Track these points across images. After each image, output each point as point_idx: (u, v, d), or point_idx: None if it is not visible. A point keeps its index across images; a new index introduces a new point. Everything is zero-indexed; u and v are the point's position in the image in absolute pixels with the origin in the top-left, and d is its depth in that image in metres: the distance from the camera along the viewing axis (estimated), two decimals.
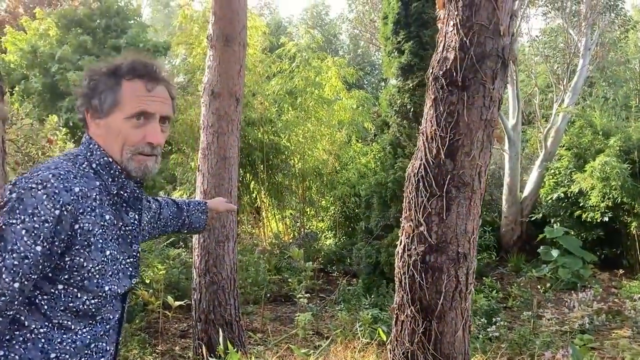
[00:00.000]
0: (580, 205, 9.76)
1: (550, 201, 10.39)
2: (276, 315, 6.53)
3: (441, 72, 2.29)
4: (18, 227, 1.28)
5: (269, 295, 7.22)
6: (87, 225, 1.38)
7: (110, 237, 1.47)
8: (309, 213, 11.06)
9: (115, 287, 1.47)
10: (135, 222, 1.57)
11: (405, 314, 2.26)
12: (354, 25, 19.91)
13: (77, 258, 1.37)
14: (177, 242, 7.65)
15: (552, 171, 10.49)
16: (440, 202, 2.23)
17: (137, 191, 1.57)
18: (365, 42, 21.00)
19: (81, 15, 10.60)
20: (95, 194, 1.42)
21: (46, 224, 1.30)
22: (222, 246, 4.19)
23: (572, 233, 9.64)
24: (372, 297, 6.67)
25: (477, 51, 2.23)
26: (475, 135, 2.24)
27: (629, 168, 8.97)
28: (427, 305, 2.21)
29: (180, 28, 10.12)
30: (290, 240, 9.66)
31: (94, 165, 1.47)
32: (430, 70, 2.36)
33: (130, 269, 1.55)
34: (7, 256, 1.26)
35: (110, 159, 1.48)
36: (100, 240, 1.42)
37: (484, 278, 8.69)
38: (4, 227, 1.28)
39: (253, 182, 10.31)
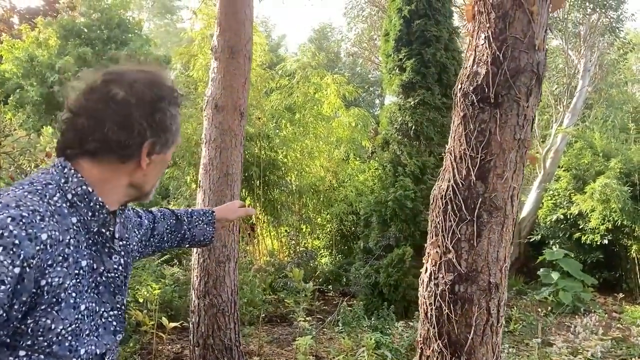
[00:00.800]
0: (580, 227, 9.66)
1: (549, 223, 10.28)
2: (273, 337, 6.31)
3: (472, 88, 2.14)
4: None
5: (264, 315, 7.00)
6: (56, 279, 1.09)
7: (87, 287, 1.18)
8: (304, 230, 10.87)
9: (94, 348, 1.19)
10: (120, 267, 1.29)
11: (431, 348, 2.08)
12: (353, 43, 19.91)
13: (43, 319, 1.08)
14: (171, 260, 7.43)
15: (551, 192, 10.41)
16: (470, 227, 2.06)
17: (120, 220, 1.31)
18: (364, 59, 20.99)
19: (81, 26, 10.46)
20: (69, 236, 1.13)
21: (2, 287, 0.99)
22: (223, 267, 4.00)
23: (571, 255, 9.52)
24: (372, 319, 6.47)
25: (511, 66, 2.09)
26: (509, 156, 2.09)
27: (629, 190, 8.89)
28: (456, 339, 2.03)
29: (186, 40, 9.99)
30: (286, 259, 9.46)
31: (69, 196, 1.17)
32: (459, 86, 2.21)
33: (115, 323, 1.27)
34: None
35: (90, 189, 1.19)
36: (74, 294, 1.13)
37: None
38: None
39: (249, 198, 10.13)
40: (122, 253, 1.32)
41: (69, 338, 1.13)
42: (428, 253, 2.17)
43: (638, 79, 15.60)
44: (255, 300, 6.77)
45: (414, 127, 8.05)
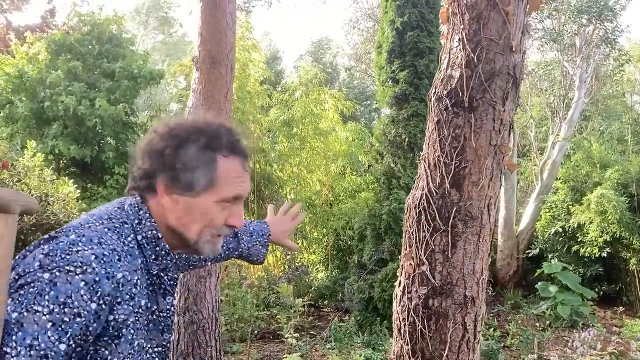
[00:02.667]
0: (578, 240, 9.52)
1: (547, 236, 10.15)
2: (263, 354, 6.17)
3: (445, 92, 2.04)
4: (44, 317, 1.02)
5: (256, 332, 6.86)
6: (122, 316, 1.15)
7: (141, 325, 1.22)
8: (300, 245, 10.75)
9: None
10: (172, 308, 1.33)
11: None
12: (350, 57, 19.92)
13: (102, 350, 1.14)
14: None
15: (549, 204, 10.28)
16: (445, 237, 1.95)
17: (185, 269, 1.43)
18: (360, 73, 21.00)
19: (72, 40, 10.42)
20: (137, 277, 1.19)
21: (77, 319, 1.05)
22: (204, 282, 3.88)
23: (570, 269, 9.38)
24: (365, 335, 6.33)
25: (485, 68, 1.99)
26: (484, 163, 1.98)
27: (626, 201, 8.76)
28: (430, 357, 1.91)
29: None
30: (280, 274, 9.32)
31: (139, 238, 1.24)
32: (433, 90, 2.12)
33: (157, 359, 1.31)
34: (23, 352, 0.99)
35: (160, 235, 1.26)
36: (132, 331, 1.18)
37: None
38: (25, 313, 1.02)
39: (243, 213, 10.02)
40: (173, 293, 1.36)
41: None
42: (402, 266, 2.07)
43: (637, 90, 15.54)
44: (246, 316, 6.63)
45: (407, 139, 7.97)
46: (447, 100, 2.03)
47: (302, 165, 10.06)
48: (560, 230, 9.85)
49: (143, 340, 1.24)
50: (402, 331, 1.98)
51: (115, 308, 1.13)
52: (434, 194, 2.00)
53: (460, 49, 2.05)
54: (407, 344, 1.95)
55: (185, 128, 1.27)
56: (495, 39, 2.00)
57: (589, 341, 6.24)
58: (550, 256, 9.89)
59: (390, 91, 8.26)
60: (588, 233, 9.20)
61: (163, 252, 1.27)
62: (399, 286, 2.04)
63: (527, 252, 10.50)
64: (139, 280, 1.19)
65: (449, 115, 2.03)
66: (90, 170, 10.30)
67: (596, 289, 9.60)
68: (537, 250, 10.17)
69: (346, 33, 18.73)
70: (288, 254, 10.55)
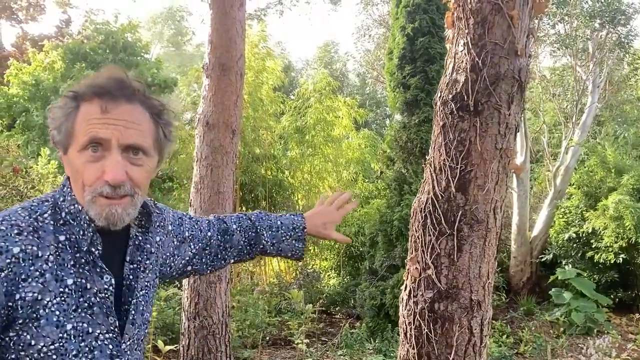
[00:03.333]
0: (593, 246, 9.43)
1: (561, 241, 10.05)
2: None
3: (450, 96, 2.05)
4: None
5: (268, 338, 6.87)
6: (31, 294, 1.09)
7: (77, 307, 1.15)
8: (312, 251, 10.76)
9: None
10: (111, 287, 1.21)
11: None
12: (361, 64, 19.93)
13: (24, 334, 1.09)
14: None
15: (563, 210, 10.20)
16: (450, 241, 1.95)
17: (130, 241, 1.28)
18: (372, 79, 21.01)
19: (87, 49, 10.56)
20: (49, 253, 1.13)
21: None
22: (214, 287, 3.90)
23: (585, 275, 9.28)
24: (377, 341, 6.31)
25: (490, 72, 2.00)
26: (490, 167, 1.98)
27: None
28: None
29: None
30: (292, 280, 9.33)
31: (63, 214, 1.17)
32: (439, 94, 2.13)
33: (111, 346, 1.21)
34: None
35: (80, 207, 1.17)
36: (57, 312, 1.12)
37: (494, 321, 8.33)
38: None
39: None
40: (127, 275, 1.29)
41: (53, 357, 1.12)
42: (408, 270, 2.07)
43: None
44: (258, 322, 6.65)
45: (419, 145, 7.95)
46: (453, 104, 2.04)
47: (314, 172, 10.08)
48: (574, 236, 9.76)
49: (86, 325, 1.16)
50: (408, 335, 1.98)
51: (20, 286, 1.07)
52: (440, 197, 2.00)
53: (465, 53, 2.05)
54: (414, 348, 1.95)
55: (76, 87, 1.19)
56: (500, 43, 2.00)
57: (603, 348, 6.17)
58: (564, 262, 9.80)
59: (402, 97, 8.26)
60: (602, 239, 9.11)
61: (85, 225, 1.17)
62: (405, 290, 2.04)
63: (540, 257, 10.42)
64: (52, 257, 1.13)
65: (454, 119, 2.03)
66: None
67: (611, 296, 9.49)
68: (551, 256, 10.09)
69: (356, 40, 18.76)
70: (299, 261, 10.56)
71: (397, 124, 8.44)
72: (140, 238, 1.33)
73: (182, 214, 1.58)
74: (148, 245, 1.36)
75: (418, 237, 2.04)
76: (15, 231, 1.10)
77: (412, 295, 2.00)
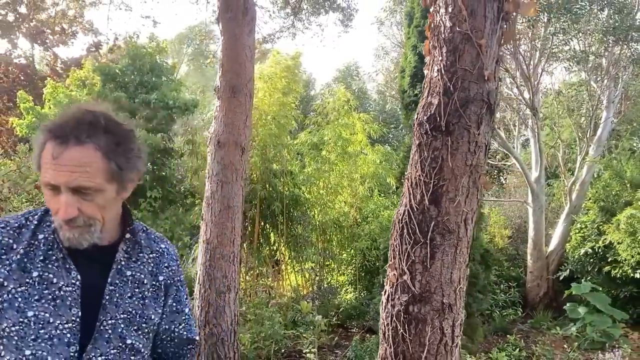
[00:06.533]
0: (609, 260, 9.43)
1: (577, 256, 10.06)
2: None
3: (425, 117, 2.26)
4: None
5: (283, 350, 7.04)
6: None
7: (39, 297, 1.33)
8: (329, 266, 10.91)
9: (45, 354, 1.31)
10: (77, 282, 1.37)
11: None
12: (379, 83, 20.19)
13: None
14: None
15: (579, 225, 10.22)
16: (424, 249, 2.15)
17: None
18: (391, 97, 21.25)
19: (117, 70, 10.99)
20: (21, 247, 1.35)
21: None
22: (223, 297, 4.13)
23: (602, 290, 9.27)
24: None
25: (460, 96, 2.20)
26: (460, 181, 2.17)
27: None
28: (411, 358, 2.10)
29: None
30: (308, 294, 9.51)
31: (50, 218, 1.39)
32: (416, 116, 2.33)
33: (69, 335, 1.34)
34: None
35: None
36: (19, 299, 1.31)
37: (508, 335, 8.38)
38: None
39: (272, 234, 10.29)
40: (106, 294, 1.41)
41: (15, 338, 1.29)
42: (387, 276, 2.26)
43: None
44: (272, 334, 6.83)
45: None
46: (427, 125, 2.24)
47: (330, 188, 10.28)
48: (590, 250, 9.78)
49: (48, 315, 1.32)
50: (386, 335, 2.17)
51: None
52: (415, 210, 2.19)
53: (438, 79, 2.26)
54: (390, 347, 2.14)
55: (46, 123, 1.36)
56: (469, 69, 2.20)
57: None
58: (582, 278, 9.78)
59: (413, 114, 8.44)
60: (619, 253, 9.12)
61: (53, 227, 1.37)
62: (384, 294, 2.24)
63: (557, 274, 10.42)
64: (23, 251, 1.33)
65: (428, 139, 2.23)
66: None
67: (630, 311, 9.46)
68: (567, 272, 10.10)
69: (375, 61, 19.03)
70: (317, 275, 10.74)
71: (409, 140, 8.60)
72: (123, 263, 1.46)
73: (180, 282, 1.64)
74: (130, 272, 1.48)
75: (396, 245, 2.24)
76: (2, 225, 1.35)
77: (389, 298, 2.20)
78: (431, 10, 2.39)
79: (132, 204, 10.38)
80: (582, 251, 9.85)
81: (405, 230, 2.21)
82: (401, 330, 2.12)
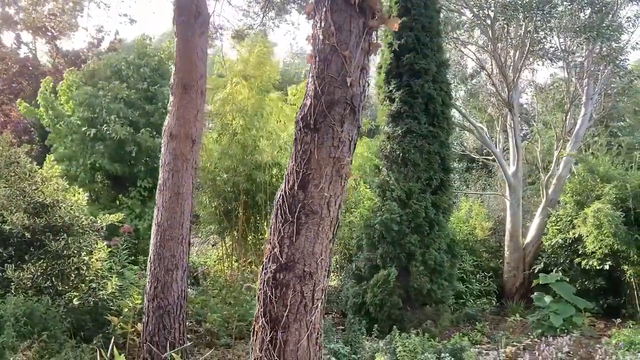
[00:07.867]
0: (579, 252, 9.76)
1: (551, 249, 10.40)
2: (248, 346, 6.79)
3: (300, 117, 2.67)
4: None
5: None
6: None
7: None
8: None
9: None
10: None
11: (259, 324, 2.59)
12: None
13: None
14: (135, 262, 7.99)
15: (554, 218, 10.54)
16: (291, 227, 2.57)
17: None
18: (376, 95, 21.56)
19: (122, 66, 11.52)
20: None
21: None
22: (171, 274, 4.57)
23: (576, 282, 9.62)
24: (345, 332, 6.88)
25: (327, 99, 2.61)
26: (324, 170, 2.59)
27: (622, 216, 8.96)
28: (275, 317, 2.53)
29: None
30: None
31: None
32: (295, 115, 2.75)
33: None
34: None
35: None
36: None
37: (476, 323, 8.80)
38: None
39: (259, 224, 10.75)
40: None
41: None
42: (265, 248, 2.69)
43: None
44: (242, 314, 7.29)
45: (401, 155, 8.49)
46: (301, 123, 2.66)
47: None
48: (561, 241, 10.11)
49: None
50: (259, 298, 2.61)
51: None
52: (287, 194, 2.62)
53: (312, 84, 2.68)
54: (261, 307, 2.57)
55: None
56: (335, 76, 2.62)
57: (559, 346, 6.57)
58: (554, 269, 10.11)
59: (387, 109, 8.83)
60: (586, 245, 9.44)
61: None
62: (261, 265, 2.67)
63: (532, 268, 10.76)
64: None
65: (301, 135, 2.65)
66: (124, 183, 11.17)
67: (601, 302, 9.80)
68: (542, 265, 10.43)
69: None
70: None
71: (382, 134, 8.98)
72: None
73: None
74: None
75: (273, 224, 2.67)
76: None
77: (263, 268, 2.63)
78: (311, 23, 2.80)
79: (126, 192, 10.85)
80: (554, 241, 10.18)
81: (279, 211, 2.63)
82: (269, 294, 2.55)
